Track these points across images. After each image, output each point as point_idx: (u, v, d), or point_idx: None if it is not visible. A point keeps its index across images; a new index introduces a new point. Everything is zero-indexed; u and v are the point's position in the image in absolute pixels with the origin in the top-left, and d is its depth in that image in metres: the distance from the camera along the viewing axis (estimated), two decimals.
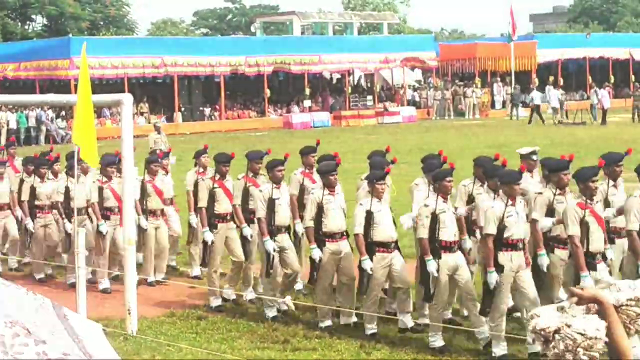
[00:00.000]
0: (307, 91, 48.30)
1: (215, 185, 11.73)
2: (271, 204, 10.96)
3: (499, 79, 52.70)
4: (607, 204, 9.79)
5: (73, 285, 13.26)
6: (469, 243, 10.31)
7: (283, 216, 11.12)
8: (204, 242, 11.74)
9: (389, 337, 10.08)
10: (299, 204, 11.74)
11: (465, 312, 10.29)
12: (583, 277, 8.82)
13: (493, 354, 9.35)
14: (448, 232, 9.69)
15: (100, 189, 12.84)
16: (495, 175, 9.75)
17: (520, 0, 55.74)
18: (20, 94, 35.77)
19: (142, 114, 43.92)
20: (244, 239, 11.71)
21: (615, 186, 10.01)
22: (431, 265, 9.58)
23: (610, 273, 9.29)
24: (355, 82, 52.83)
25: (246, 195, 11.73)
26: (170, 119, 44.33)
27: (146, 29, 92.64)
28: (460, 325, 10.08)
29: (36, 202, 13.62)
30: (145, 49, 44.08)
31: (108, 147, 20.22)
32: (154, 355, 9.64)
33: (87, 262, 12.89)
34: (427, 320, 10.00)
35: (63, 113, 41.40)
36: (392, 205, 10.80)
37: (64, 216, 13.17)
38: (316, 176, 11.61)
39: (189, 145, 29.40)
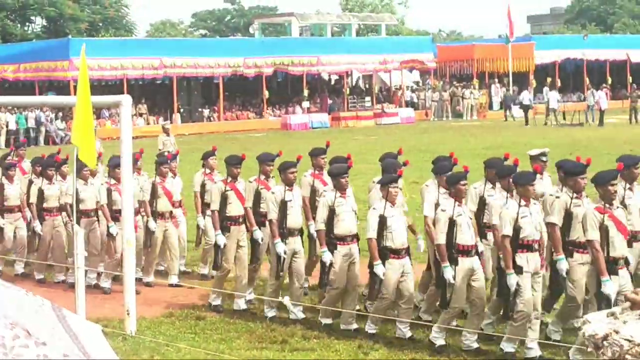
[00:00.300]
0: (306, 92, 48.31)
1: (227, 187, 11.60)
2: (283, 206, 10.92)
3: (496, 80, 52.73)
4: (623, 207, 9.57)
5: (64, 283, 13.36)
6: (481, 246, 10.09)
7: (295, 219, 11.07)
8: (216, 245, 11.68)
9: (387, 338, 10.10)
10: (310, 206, 11.72)
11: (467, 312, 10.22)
12: (604, 282, 8.74)
13: (524, 354, 9.27)
14: (465, 235, 9.59)
15: (109, 191, 12.81)
16: (508, 175, 9.64)
17: (517, 2, 55.70)
18: (20, 95, 35.83)
19: (141, 115, 43.93)
20: (254, 242, 11.68)
21: (631, 189, 9.86)
22: (448, 272, 9.49)
23: (632, 278, 9.20)
24: (354, 83, 52.86)
25: (258, 197, 11.67)
26: (169, 120, 44.33)
27: (145, 30, 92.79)
28: (457, 326, 10.08)
29: (44, 205, 13.52)
30: (144, 50, 44.08)
31: (107, 147, 20.23)
32: (153, 356, 9.67)
33: (94, 264, 13.00)
34: (429, 317, 9.94)
35: (61, 114, 41.39)
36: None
37: (72, 218, 13.13)
38: (326, 178, 11.54)
39: (188, 147, 29.44)
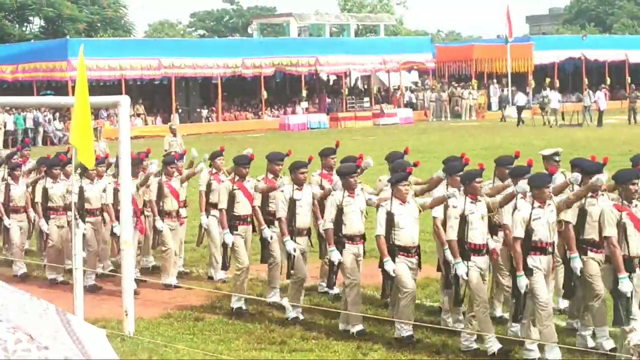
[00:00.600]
0: (304, 93, 48.32)
1: (235, 187, 11.61)
2: (292, 205, 10.94)
3: (495, 80, 52.77)
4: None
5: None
6: (492, 243, 9.94)
7: (303, 219, 11.08)
8: (224, 245, 11.68)
9: (386, 338, 10.09)
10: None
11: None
12: (621, 279, 8.69)
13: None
14: (477, 234, 9.53)
15: (116, 191, 12.80)
16: (521, 176, 9.45)
17: (516, 2, 55.81)
18: (18, 95, 35.82)
19: (139, 115, 43.94)
20: (263, 241, 11.65)
21: None
22: (461, 269, 9.41)
23: None
24: (352, 83, 52.88)
25: (266, 196, 11.69)
26: (167, 120, 44.33)
27: (143, 30, 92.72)
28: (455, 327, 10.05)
29: (49, 204, 13.50)
30: (143, 51, 44.10)
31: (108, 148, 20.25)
32: (151, 356, 9.67)
33: (93, 264, 13.02)
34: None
35: (58, 115, 41.39)
36: None
37: (77, 217, 13.12)
38: (335, 178, 11.45)
39: (186, 147, 29.37)
